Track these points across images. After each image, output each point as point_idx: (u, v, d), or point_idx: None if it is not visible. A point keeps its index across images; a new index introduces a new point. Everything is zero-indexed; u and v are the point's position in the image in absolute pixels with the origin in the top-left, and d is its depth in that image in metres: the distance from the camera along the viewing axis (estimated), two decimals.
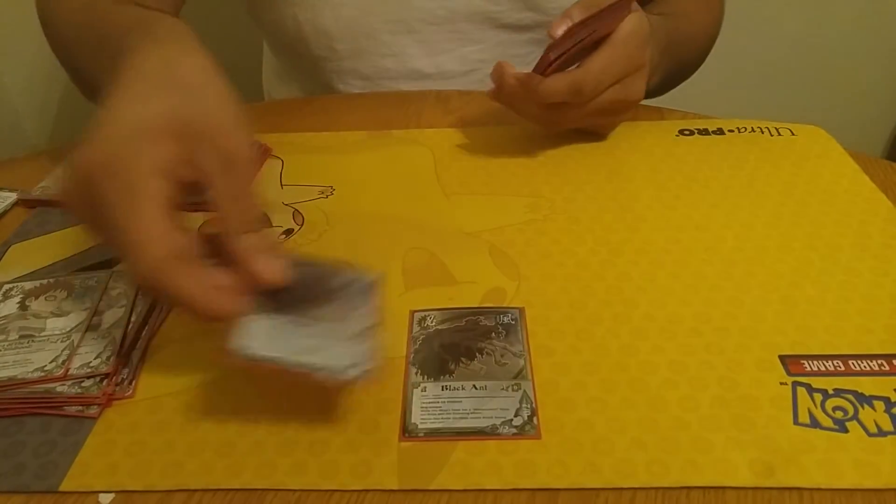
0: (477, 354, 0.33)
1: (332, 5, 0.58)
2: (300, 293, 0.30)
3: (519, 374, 0.32)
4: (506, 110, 0.55)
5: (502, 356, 0.33)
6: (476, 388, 0.31)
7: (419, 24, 0.59)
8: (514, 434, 0.29)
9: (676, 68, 0.57)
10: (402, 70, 0.60)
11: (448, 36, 0.59)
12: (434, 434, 0.29)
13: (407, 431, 0.30)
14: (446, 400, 0.31)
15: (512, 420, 0.30)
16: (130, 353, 0.34)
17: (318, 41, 0.58)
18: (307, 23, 0.59)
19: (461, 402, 0.31)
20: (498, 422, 0.30)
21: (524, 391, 0.31)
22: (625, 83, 0.46)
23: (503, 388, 0.31)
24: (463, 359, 0.33)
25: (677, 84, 0.61)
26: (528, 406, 0.30)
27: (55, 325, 0.35)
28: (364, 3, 0.57)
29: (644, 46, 0.46)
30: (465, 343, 0.33)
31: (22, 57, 0.89)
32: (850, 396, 0.30)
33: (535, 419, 0.30)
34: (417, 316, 0.35)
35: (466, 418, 0.30)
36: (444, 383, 0.31)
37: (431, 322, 0.35)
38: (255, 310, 0.29)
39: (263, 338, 0.28)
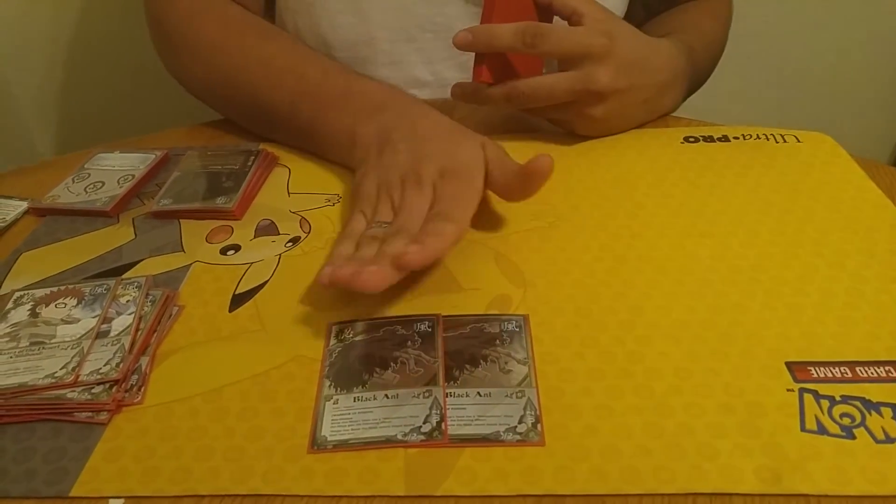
0: (481, 361, 0.33)
1: (330, 13, 0.58)
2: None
3: (523, 382, 0.32)
4: (510, 119, 0.55)
5: (506, 363, 0.33)
6: (480, 395, 0.31)
7: (417, 32, 0.59)
8: (517, 441, 0.29)
9: (695, 82, 0.57)
10: (401, 78, 0.61)
11: (445, 44, 0.60)
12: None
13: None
14: (453, 407, 0.31)
15: (516, 427, 0.30)
16: (139, 359, 0.34)
17: (319, 50, 0.59)
18: (308, 31, 0.60)
19: (466, 408, 0.31)
20: (502, 429, 0.30)
21: (528, 398, 0.31)
22: (585, 70, 0.46)
23: (507, 396, 0.31)
24: (467, 366, 0.33)
25: (689, 96, 0.62)
26: (533, 413, 0.30)
27: (65, 332, 0.35)
28: (361, 11, 0.58)
29: (610, 37, 0.46)
30: (469, 350, 0.34)
31: (31, 67, 0.90)
32: (857, 403, 0.30)
33: (539, 426, 0.30)
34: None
35: (471, 425, 0.30)
36: (450, 390, 0.32)
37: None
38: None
39: None
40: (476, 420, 0.30)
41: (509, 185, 0.41)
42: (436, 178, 0.40)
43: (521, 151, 0.49)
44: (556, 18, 0.49)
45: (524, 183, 0.40)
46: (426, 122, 0.45)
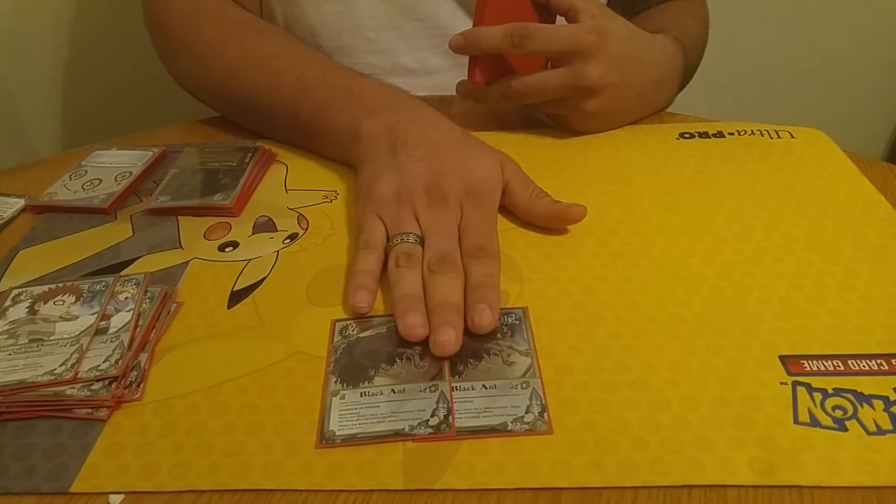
0: (484, 355, 0.33)
1: (316, 1, 0.58)
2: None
3: (527, 372, 0.32)
4: (508, 115, 0.55)
5: (509, 355, 0.33)
6: (486, 388, 0.32)
7: (402, 20, 0.60)
8: (526, 430, 0.30)
9: (685, 80, 0.58)
10: (388, 66, 0.61)
11: (431, 31, 0.60)
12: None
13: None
14: (459, 400, 0.31)
15: (523, 417, 0.30)
16: (138, 356, 0.34)
17: (306, 39, 0.59)
18: (294, 20, 0.60)
19: (473, 401, 0.31)
20: (509, 419, 0.30)
21: (533, 388, 0.31)
22: (575, 67, 0.47)
23: (512, 387, 0.32)
24: (471, 360, 0.33)
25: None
26: (539, 402, 0.31)
27: (64, 329, 0.35)
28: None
29: (600, 33, 0.47)
30: (471, 344, 0.34)
31: (27, 64, 0.89)
32: (849, 395, 0.31)
33: (545, 415, 0.30)
34: None
35: (479, 417, 0.30)
36: (456, 384, 0.32)
37: None
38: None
39: None
40: (483, 412, 0.30)
41: (535, 212, 0.42)
42: (461, 197, 0.40)
43: (518, 147, 0.50)
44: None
45: (555, 220, 0.42)
46: (438, 130, 0.44)
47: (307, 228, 0.43)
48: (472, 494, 0.28)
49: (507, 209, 0.43)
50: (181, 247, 0.42)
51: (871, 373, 0.32)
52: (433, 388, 0.32)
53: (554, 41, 0.46)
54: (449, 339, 0.32)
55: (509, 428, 0.30)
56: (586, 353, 0.33)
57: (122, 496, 0.28)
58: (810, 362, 0.32)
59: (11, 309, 0.37)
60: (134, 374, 0.33)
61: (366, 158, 0.44)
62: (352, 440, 0.30)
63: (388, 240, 0.39)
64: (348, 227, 0.43)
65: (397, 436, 0.30)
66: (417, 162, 0.42)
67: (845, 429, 0.29)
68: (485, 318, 0.34)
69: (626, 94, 0.50)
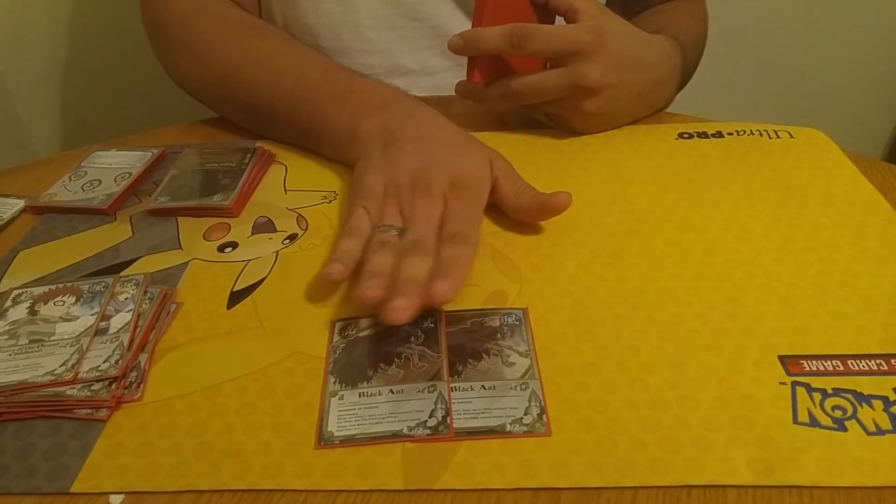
0: (484, 355, 0.33)
1: (315, 2, 0.59)
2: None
3: (526, 374, 0.32)
4: (508, 116, 0.55)
5: (508, 356, 0.33)
6: (485, 389, 0.32)
7: (401, 20, 0.60)
8: (524, 432, 0.30)
9: (683, 80, 0.58)
10: (388, 66, 0.61)
11: (430, 31, 0.60)
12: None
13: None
14: (458, 401, 0.31)
15: (522, 419, 0.30)
16: (138, 356, 0.34)
17: (305, 39, 0.59)
18: (293, 21, 0.60)
19: (471, 402, 0.31)
20: (507, 421, 0.30)
21: (532, 390, 0.31)
22: (574, 67, 0.47)
23: (511, 388, 0.32)
24: (470, 360, 0.33)
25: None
26: (538, 404, 0.31)
27: (64, 329, 0.35)
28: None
29: (599, 33, 0.47)
30: (471, 344, 0.34)
31: (27, 64, 0.89)
32: (848, 396, 0.31)
33: (544, 417, 0.30)
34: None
35: (477, 418, 0.30)
36: (455, 384, 0.32)
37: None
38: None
39: None
40: (482, 413, 0.30)
41: (521, 206, 0.42)
42: (446, 188, 0.40)
43: (517, 147, 0.50)
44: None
45: (539, 211, 0.42)
46: (432, 127, 0.45)
47: (306, 229, 0.43)
48: (472, 494, 0.28)
49: (498, 209, 0.43)
50: (181, 247, 0.42)
51: (870, 373, 0.32)
52: (431, 389, 0.32)
53: (553, 41, 0.46)
54: (400, 305, 0.32)
55: (508, 429, 0.30)
56: (585, 353, 0.34)
57: (122, 496, 0.28)
58: (809, 362, 0.32)
59: (12, 309, 0.37)
60: (134, 374, 0.33)
61: (360, 155, 0.44)
62: (350, 441, 0.30)
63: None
64: None
65: (395, 437, 0.30)
66: (408, 156, 0.42)
67: (845, 429, 0.29)
68: (438, 287, 0.32)
69: (625, 95, 0.50)
